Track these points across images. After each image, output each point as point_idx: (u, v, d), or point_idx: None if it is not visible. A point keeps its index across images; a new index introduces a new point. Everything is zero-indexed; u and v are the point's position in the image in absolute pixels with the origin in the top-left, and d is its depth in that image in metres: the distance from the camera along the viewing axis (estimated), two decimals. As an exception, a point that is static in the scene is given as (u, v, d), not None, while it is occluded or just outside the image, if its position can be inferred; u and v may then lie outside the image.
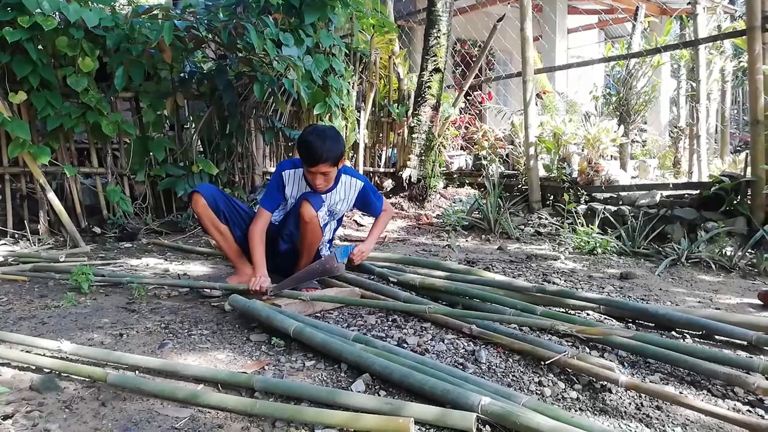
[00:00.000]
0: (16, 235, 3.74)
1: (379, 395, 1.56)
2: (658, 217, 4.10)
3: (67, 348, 1.75)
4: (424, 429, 1.36)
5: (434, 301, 2.44)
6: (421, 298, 2.45)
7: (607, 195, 4.77)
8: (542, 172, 5.24)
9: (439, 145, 5.95)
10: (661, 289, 2.87)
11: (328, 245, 2.82)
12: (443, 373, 1.58)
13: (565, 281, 2.99)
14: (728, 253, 3.43)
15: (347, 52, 5.29)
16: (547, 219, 4.78)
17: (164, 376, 1.66)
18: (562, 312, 2.29)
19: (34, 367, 1.70)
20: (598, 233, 3.98)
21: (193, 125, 4.58)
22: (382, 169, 6.41)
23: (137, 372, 1.69)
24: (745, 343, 1.97)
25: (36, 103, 3.60)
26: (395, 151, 6.49)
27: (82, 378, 1.62)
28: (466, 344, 1.95)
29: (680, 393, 1.63)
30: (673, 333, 2.14)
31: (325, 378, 1.69)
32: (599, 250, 3.82)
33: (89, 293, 2.56)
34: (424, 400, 1.48)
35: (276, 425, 1.40)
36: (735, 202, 3.88)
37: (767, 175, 3.71)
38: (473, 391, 1.44)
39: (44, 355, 1.77)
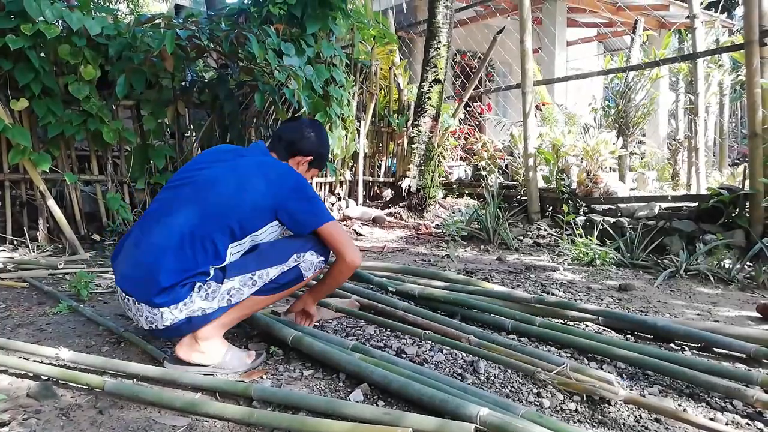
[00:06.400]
0: (15, 242, 3.74)
1: (377, 405, 1.56)
2: (657, 229, 4.11)
3: (65, 355, 1.75)
4: (422, 440, 1.36)
5: (433, 311, 2.43)
6: (420, 308, 2.44)
7: (606, 207, 4.78)
8: (541, 184, 5.25)
9: (438, 156, 5.97)
10: (659, 301, 2.87)
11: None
12: (442, 384, 1.58)
13: (564, 292, 2.99)
14: (727, 266, 3.44)
15: (348, 62, 5.32)
16: (546, 230, 4.79)
17: (162, 384, 1.66)
18: (561, 323, 2.29)
19: (31, 375, 1.69)
20: (596, 245, 3.99)
21: (194, 134, 4.59)
22: (381, 179, 6.43)
23: (135, 380, 1.69)
24: (744, 355, 1.97)
25: (37, 110, 3.61)
26: (395, 161, 6.52)
27: (79, 386, 1.62)
28: (464, 355, 1.94)
29: (679, 405, 1.63)
30: (672, 345, 2.15)
31: (323, 387, 1.69)
32: (598, 262, 3.82)
33: (88, 300, 2.56)
34: (422, 410, 1.47)
35: (274, 435, 1.39)
36: (733, 214, 3.89)
37: (765, 188, 3.73)
38: (472, 401, 1.44)
39: (42, 362, 1.76)
